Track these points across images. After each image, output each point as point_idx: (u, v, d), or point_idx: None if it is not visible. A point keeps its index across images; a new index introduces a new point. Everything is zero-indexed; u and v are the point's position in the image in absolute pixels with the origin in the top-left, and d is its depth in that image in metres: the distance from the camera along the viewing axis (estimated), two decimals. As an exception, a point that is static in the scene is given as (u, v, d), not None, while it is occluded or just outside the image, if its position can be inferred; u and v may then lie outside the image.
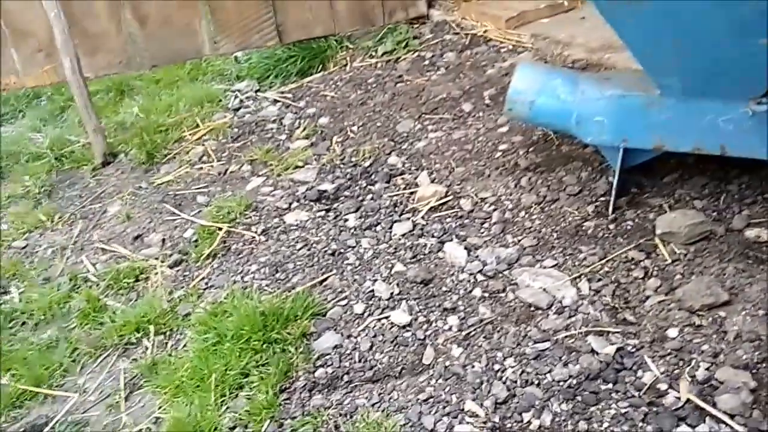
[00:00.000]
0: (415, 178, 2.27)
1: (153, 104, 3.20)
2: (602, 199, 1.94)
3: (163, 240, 2.21)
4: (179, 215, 2.32)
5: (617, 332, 1.53)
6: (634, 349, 1.48)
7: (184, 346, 1.78)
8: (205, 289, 1.95)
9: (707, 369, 1.39)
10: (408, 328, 1.65)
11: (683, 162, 1.93)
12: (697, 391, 1.35)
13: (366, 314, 1.73)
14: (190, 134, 2.88)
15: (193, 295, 1.94)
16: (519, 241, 1.88)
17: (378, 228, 2.06)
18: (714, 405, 1.31)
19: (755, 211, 1.76)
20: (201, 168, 2.60)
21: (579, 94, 1.84)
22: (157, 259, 2.13)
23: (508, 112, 1.99)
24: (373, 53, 3.29)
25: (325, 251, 2.01)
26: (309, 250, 2.03)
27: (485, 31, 3.21)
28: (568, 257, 1.78)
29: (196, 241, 2.16)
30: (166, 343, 1.82)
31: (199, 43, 3.11)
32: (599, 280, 1.69)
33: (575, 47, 2.74)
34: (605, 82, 1.82)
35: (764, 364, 1.38)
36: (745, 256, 1.64)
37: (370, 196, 2.23)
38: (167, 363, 1.74)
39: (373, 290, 1.80)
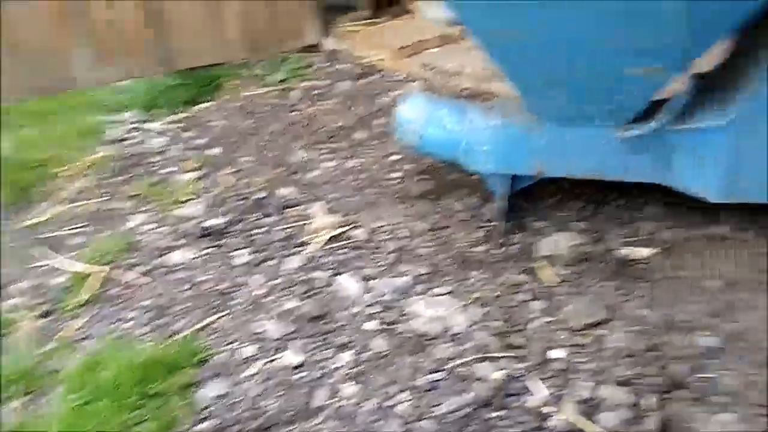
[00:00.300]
0: (309, 210, 2.22)
1: (25, 138, 2.96)
2: (490, 224, 1.98)
3: (32, 288, 2.01)
4: (51, 259, 2.13)
5: (506, 357, 1.55)
6: (521, 373, 1.50)
7: (55, 405, 1.61)
8: (78, 341, 1.79)
9: (590, 388, 1.43)
10: (300, 370, 1.59)
11: (562, 186, 2.02)
12: (581, 411, 1.38)
13: (255, 357, 1.65)
14: (66, 170, 2.68)
15: (64, 348, 1.77)
16: (413, 269, 1.88)
17: (270, 263, 1.99)
18: (596, 424, 1.35)
19: (629, 230, 1.86)
20: (78, 206, 2.42)
21: (466, 124, 1.88)
22: (24, 309, 1.93)
23: (398, 141, 2.00)
24: (266, 82, 3.24)
25: (213, 291, 1.91)
26: (195, 291, 1.92)
27: (378, 60, 3.25)
28: (459, 283, 1.80)
29: (69, 287, 1.98)
30: (34, 404, 1.64)
31: (77, 71, 2.92)
32: (489, 305, 1.71)
33: (464, 76, 2.83)
34: (489, 111, 1.87)
35: (641, 379, 1.44)
36: (622, 274, 1.72)
37: (262, 229, 2.16)
38: (35, 426, 1.57)
39: (263, 331, 1.72)
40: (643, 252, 1.77)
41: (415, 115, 1.93)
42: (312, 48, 3.56)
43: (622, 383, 1.43)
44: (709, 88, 1.72)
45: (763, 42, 1.53)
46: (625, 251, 1.78)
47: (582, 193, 2.00)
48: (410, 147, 2.02)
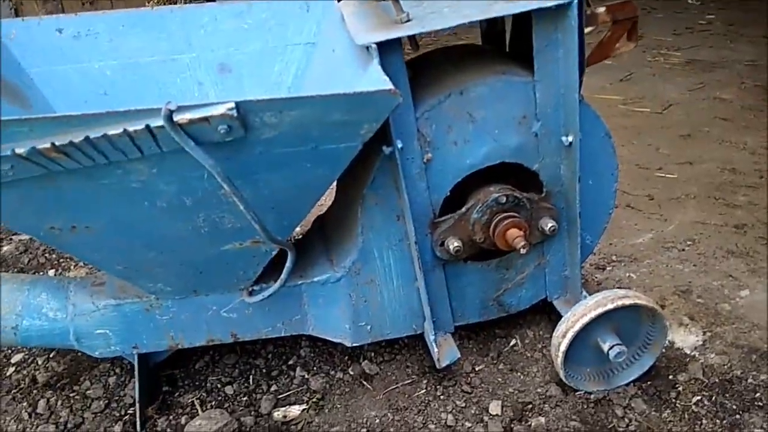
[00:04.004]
0: None
1: None
2: (132, 410, 1.70)
3: None
4: None
5: None
6: None
7: None
8: None
9: None
10: None
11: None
12: None
13: None
14: None
15: None
16: (29, 504, 1.49)
17: None
18: None
19: (281, 384, 1.77)
20: None
21: (70, 309, 1.58)
22: None
23: (-13, 342, 1.60)
24: None
25: None
26: None
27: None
28: None
29: None
30: None
31: None
32: None
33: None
34: (97, 290, 1.61)
35: None
36: (275, 443, 1.61)
37: None
38: None
39: None
40: (296, 410, 1.69)
41: (6, 307, 1.56)
42: None
43: None
44: (326, 238, 1.75)
45: (356, 191, 1.58)
46: (277, 414, 1.68)
47: (233, 346, 1.87)
48: (8, 345, 1.64)
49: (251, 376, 1.80)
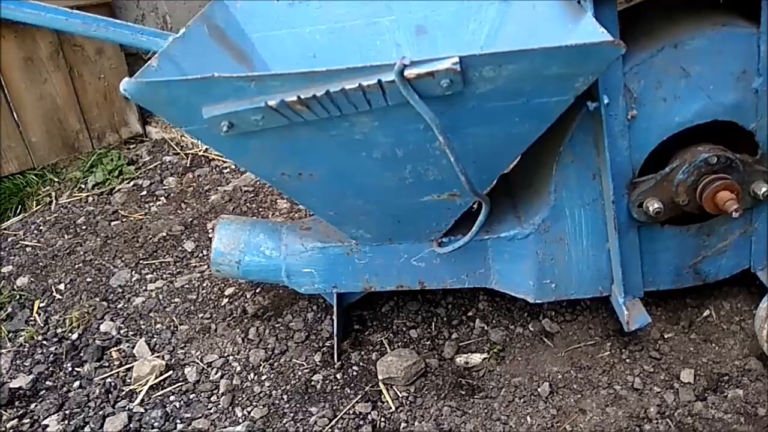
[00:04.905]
0: (133, 349, 2.00)
1: None
2: (329, 343, 1.90)
3: None
4: None
5: None
6: None
7: None
8: None
9: None
10: None
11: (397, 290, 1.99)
12: None
13: None
14: None
15: None
16: (249, 413, 1.73)
17: (86, 429, 1.75)
18: None
19: (462, 333, 1.86)
20: None
21: (283, 249, 1.79)
22: None
23: (216, 272, 1.86)
24: (83, 185, 2.95)
25: (17, 480, 1.64)
26: (-5, 483, 1.64)
27: (207, 150, 3.09)
28: (299, 424, 1.68)
29: None
30: None
31: None
32: (331, 445, 1.62)
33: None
34: (306, 233, 1.79)
35: None
36: (459, 386, 1.70)
37: (77, 383, 1.90)
38: None
39: None
40: (477, 358, 1.76)
41: (230, 245, 1.80)
42: (136, 139, 3.31)
43: None
44: (513, 194, 1.78)
45: (550, 148, 1.59)
46: (460, 359, 1.77)
47: (416, 294, 1.98)
48: (230, 277, 1.89)
49: (433, 323, 1.91)
